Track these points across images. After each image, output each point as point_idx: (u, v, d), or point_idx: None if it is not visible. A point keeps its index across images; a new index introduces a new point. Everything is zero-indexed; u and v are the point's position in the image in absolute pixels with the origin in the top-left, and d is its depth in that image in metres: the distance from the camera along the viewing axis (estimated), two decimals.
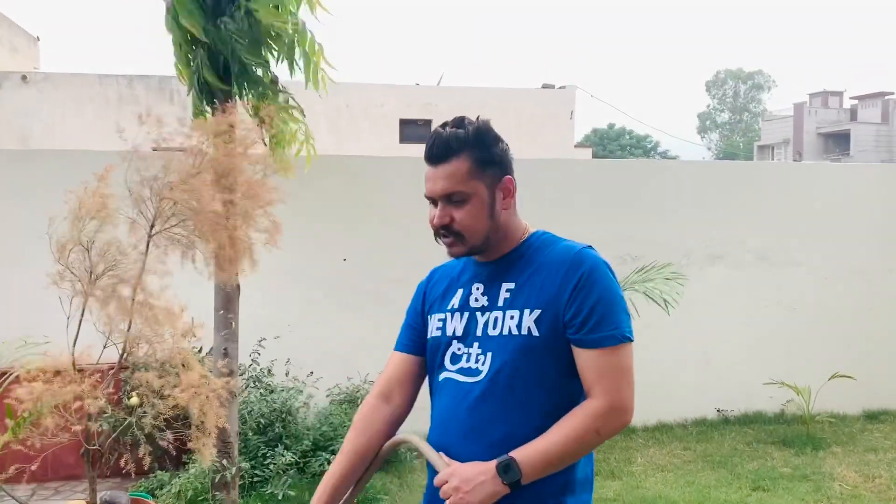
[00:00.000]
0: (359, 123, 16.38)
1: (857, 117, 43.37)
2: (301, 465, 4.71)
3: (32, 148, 11.90)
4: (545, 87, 19.96)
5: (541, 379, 1.62)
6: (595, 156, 33.58)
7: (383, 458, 1.80)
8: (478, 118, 1.70)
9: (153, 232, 3.12)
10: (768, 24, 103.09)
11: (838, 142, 42.31)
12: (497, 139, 1.69)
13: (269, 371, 5.13)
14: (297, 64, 4.14)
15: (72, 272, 3.05)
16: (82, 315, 3.07)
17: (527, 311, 1.62)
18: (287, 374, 5.17)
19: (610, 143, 50.06)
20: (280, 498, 4.32)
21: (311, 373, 5.22)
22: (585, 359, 1.60)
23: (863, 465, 5.11)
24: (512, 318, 1.64)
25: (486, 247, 1.69)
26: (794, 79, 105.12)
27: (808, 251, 6.33)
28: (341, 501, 1.76)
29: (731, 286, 6.19)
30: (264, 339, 5.10)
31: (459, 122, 1.68)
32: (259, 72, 4.12)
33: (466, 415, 1.65)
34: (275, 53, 4.11)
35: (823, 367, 5.90)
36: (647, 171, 6.41)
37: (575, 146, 20.10)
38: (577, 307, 1.60)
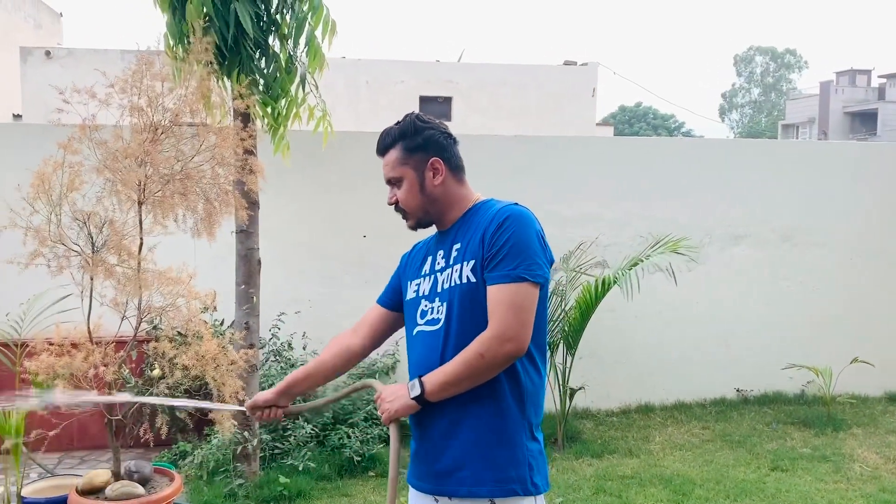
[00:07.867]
0: (379, 100, 16.29)
1: (884, 96, 42.51)
2: (321, 437, 4.77)
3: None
4: (567, 63, 19.70)
5: (484, 318, 1.84)
6: (618, 134, 33.26)
7: (344, 395, 2.30)
8: (410, 113, 2.02)
9: (143, 198, 3.14)
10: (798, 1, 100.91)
11: (865, 121, 41.54)
12: (422, 128, 1.98)
13: (290, 345, 5.18)
14: (298, 46, 4.14)
15: (68, 247, 3.07)
16: (91, 288, 3.10)
17: (465, 263, 1.90)
18: (304, 348, 5.21)
19: (637, 122, 49.52)
20: (300, 469, 4.38)
21: None
22: (488, 294, 1.84)
23: (884, 447, 5.08)
24: (456, 270, 1.92)
25: (430, 217, 2.02)
26: (821, 57, 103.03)
27: (831, 232, 6.26)
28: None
29: (752, 266, 6.14)
30: (284, 313, 5.14)
31: (404, 117, 2.01)
32: (277, 47, 4.11)
33: (434, 357, 1.91)
34: (286, 31, 4.11)
35: (845, 349, 5.85)
36: (667, 149, 6.33)
37: (597, 124, 19.90)
38: (489, 251, 1.85)
